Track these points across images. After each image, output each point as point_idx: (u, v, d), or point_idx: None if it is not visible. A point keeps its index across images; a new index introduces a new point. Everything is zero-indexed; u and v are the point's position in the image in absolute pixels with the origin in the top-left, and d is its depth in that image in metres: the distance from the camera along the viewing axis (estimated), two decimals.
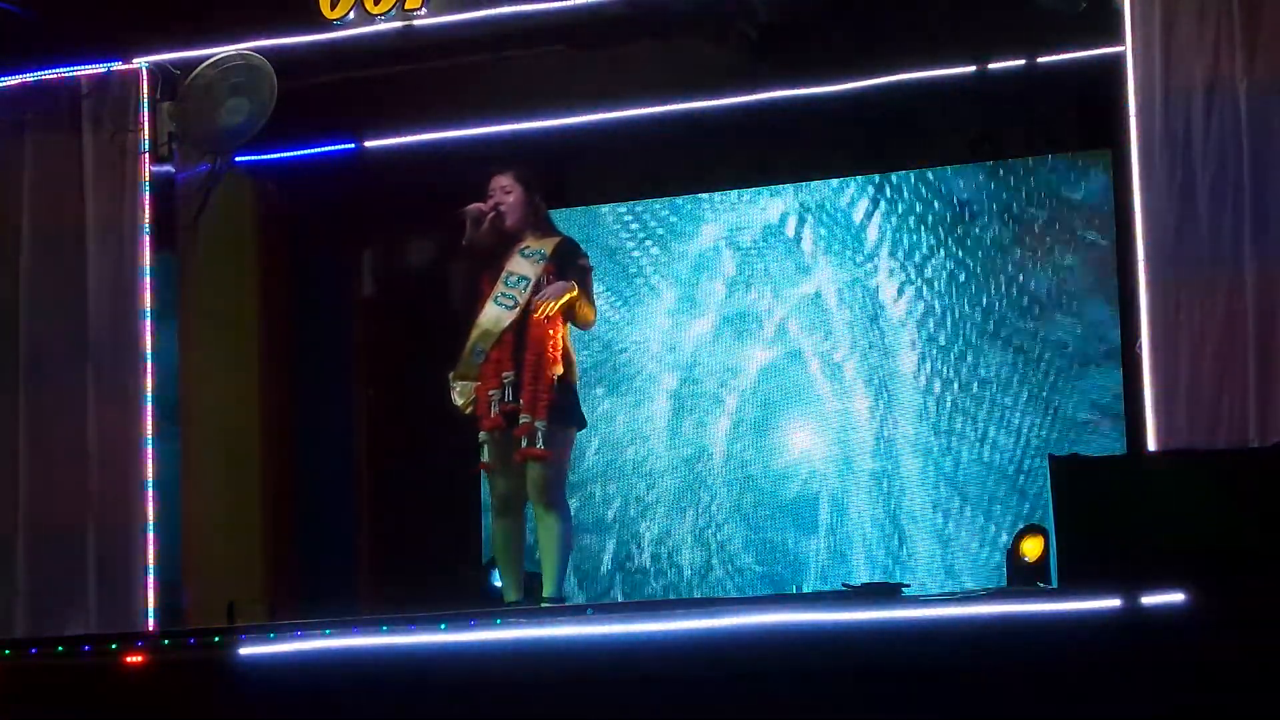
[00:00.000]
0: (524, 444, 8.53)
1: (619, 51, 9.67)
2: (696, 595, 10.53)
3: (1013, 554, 9.02)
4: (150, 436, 9.42)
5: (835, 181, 10.67)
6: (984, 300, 10.41)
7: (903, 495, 10.42)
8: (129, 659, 8.22)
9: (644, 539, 10.79)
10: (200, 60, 9.51)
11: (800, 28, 9.63)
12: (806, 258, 10.69)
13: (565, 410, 8.63)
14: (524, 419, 8.52)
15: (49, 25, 9.74)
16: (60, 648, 8.55)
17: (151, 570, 9.32)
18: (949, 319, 10.43)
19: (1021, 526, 9.53)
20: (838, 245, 10.65)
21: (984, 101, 10.01)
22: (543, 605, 8.56)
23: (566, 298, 8.58)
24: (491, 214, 8.69)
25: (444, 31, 9.40)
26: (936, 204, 10.52)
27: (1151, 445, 8.22)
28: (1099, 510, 7.42)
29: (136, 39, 9.66)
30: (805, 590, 10.30)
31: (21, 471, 9.51)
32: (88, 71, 9.69)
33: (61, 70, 9.72)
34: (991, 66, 9.73)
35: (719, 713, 7.48)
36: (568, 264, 8.71)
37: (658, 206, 10.96)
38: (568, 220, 9.99)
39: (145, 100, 9.63)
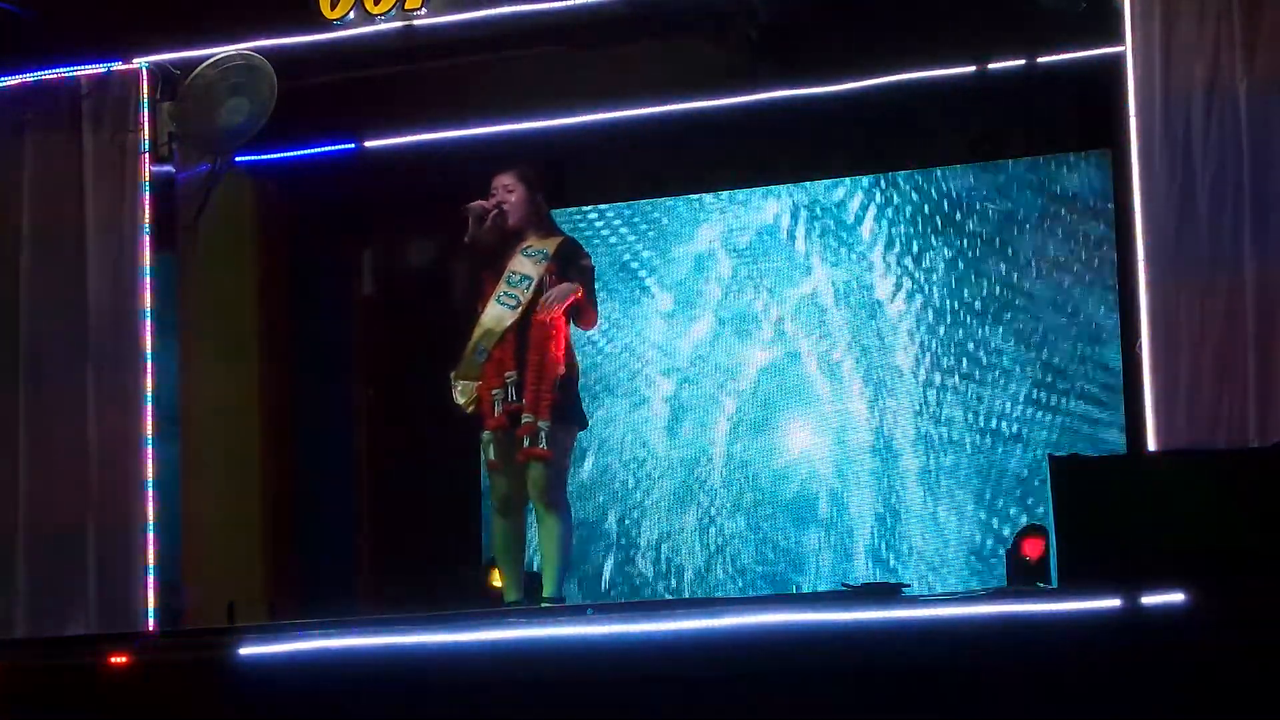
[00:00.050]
0: (526, 444, 8.53)
1: (619, 51, 9.68)
2: (697, 595, 10.53)
3: (1013, 554, 9.02)
4: (150, 436, 9.42)
5: (835, 181, 10.67)
6: (985, 301, 10.40)
7: (903, 494, 10.42)
8: (129, 659, 8.22)
9: (644, 539, 10.79)
10: (200, 60, 9.51)
11: (800, 28, 9.63)
12: (806, 258, 10.70)
13: (567, 410, 8.64)
14: (527, 419, 8.52)
15: (49, 25, 9.74)
16: (60, 648, 8.56)
17: (151, 570, 9.32)
18: (949, 319, 10.43)
19: (1022, 526, 9.54)
20: (838, 245, 10.65)
21: (984, 101, 10.01)
22: (543, 605, 8.57)
23: (571, 299, 8.59)
24: (494, 212, 8.69)
25: (444, 31, 9.41)
26: (936, 204, 10.52)
27: (1151, 445, 8.22)
28: (1099, 510, 7.42)
29: (136, 39, 9.66)
30: (805, 590, 10.30)
31: (21, 471, 9.51)
32: (88, 71, 9.69)
33: (61, 70, 9.72)
34: (991, 66, 9.72)
35: (719, 713, 7.48)
36: (570, 264, 8.71)
37: (657, 206, 10.96)
38: (567, 220, 10.00)
39: (145, 100, 9.63)
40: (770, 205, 10.79)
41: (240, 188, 10.58)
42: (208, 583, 9.81)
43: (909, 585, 9.23)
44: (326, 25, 9.47)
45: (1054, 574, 8.07)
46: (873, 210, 10.61)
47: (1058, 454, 8.12)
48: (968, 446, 10.35)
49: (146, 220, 9.58)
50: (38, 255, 9.66)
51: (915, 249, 10.51)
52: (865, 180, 10.63)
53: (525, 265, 8.69)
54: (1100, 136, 9.69)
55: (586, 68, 9.85)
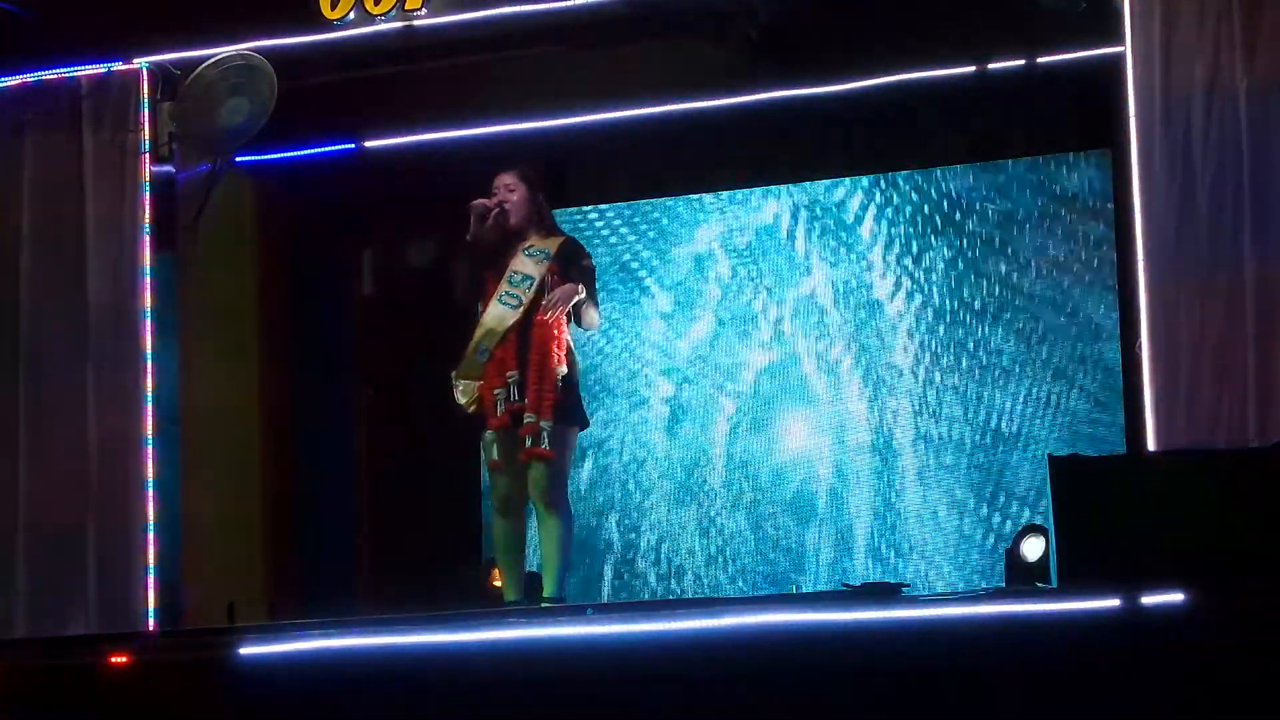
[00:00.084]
0: (529, 443, 8.53)
1: (619, 51, 9.68)
2: (697, 595, 10.53)
3: (1012, 554, 9.02)
4: (150, 436, 9.41)
5: (835, 181, 10.67)
6: (984, 301, 10.41)
7: (902, 494, 10.42)
8: (129, 659, 8.22)
9: (644, 539, 10.79)
10: (200, 60, 9.51)
11: (800, 28, 9.63)
12: (806, 258, 10.69)
13: (569, 410, 8.64)
14: (529, 419, 8.52)
15: (49, 25, 9.74)
16: (60, 648, 8.56)
17: (151, 570, 9.32)
18: (949, 319, 10.43)
19: (1022, 526, 9.53)
20: (838, 245, 10.64)
21: (984, 101, 10.01)
22: (543, 605, 8.56)
23: (575, 300, 8.59)
24: (496, 210, 8.69)
25: (444, 32, 9.41)
26: (936, 204, 10.52)
27: (1151, 445, 8.22)
28: (1099, 510, 7.42)
29: (136, 39, 9.66)
30: (805, 590, 10.30)
31: (21, 471, 9.51)
32: (88, 71, 9.69)
33: (61, 70, 9.72)
34: (991, 66, 9.72)
35: (719, 713, 7.48)
36: (572, 264, 8.72)
37: (657, 206, 10.96)
38: (567, 220, 10.00)
39: (145, 100, 9.63)
40: (770, 205, 10.78)
41: (240, 188, 10.58)
42: (208, 583, 9.81)
43: (909, 585, 9.23)
44: (326, 25, 9.47)
45: (1054, 574, 8.06)
46: (873, 210, 10.61)
47: (1057, 454, 8.12)
48: (967, 446, 10.35)
49: (146, 220, 9.57)
50: (38, 255, 9.66)
51: (915, 249, 10.51)
52: (865, 180, 10.63)
53: (527, 265, 8.69)
54: (1100, 136, 9.69)
55: (586, 68, 9.85)
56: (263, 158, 10.44)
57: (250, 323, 10.86)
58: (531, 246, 8.73)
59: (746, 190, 10.81)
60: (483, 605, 9.18)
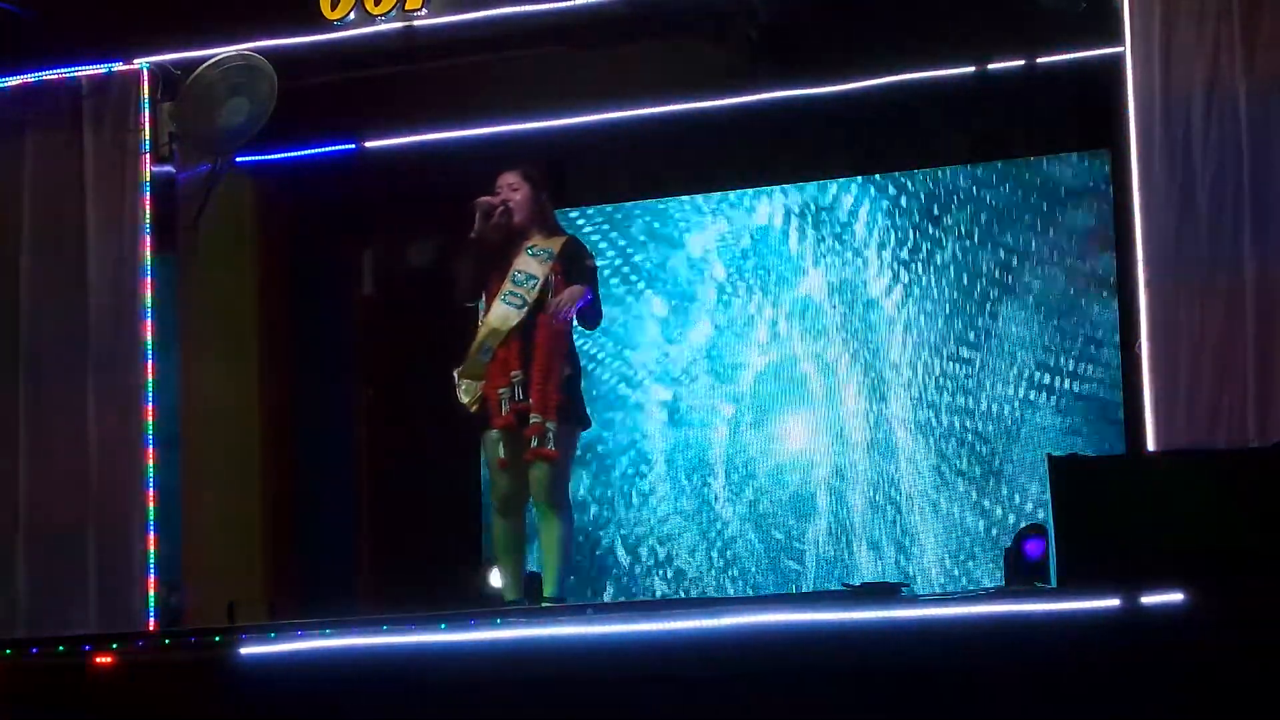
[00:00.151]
0: (535, 444, 8.52)
1: (619, 51, 9.68)
2: (697, 595, 10.53)
3: (1012, 554, 9.01)
4: (150, 436, 9.42)
5: (835, 181, 10.67)
6: (984, 300, 10.41)
7: (903, 493, 10.42)
8: (128, 659, 8.22)
9: (644, 540, 10.79)
10: (200, 60, 9.52)
11: (800, 28, 9.63)
12: (807, 257, 10.70)
13: (572, 410, 8.64)
14: (535, 419, 8.51)
15: (49, 25, 9.74)
16: (60, 647, 8.55)
17: (151, 570, 9.32)
18: (949, 318, 10.43)
19: (1023, 526, 9.53)
20: (838, 245, 10.64)
21: (984, 101, 10.01)
22: (543, 605, 8.56)
23: (581, 302, 8.58)
24: (500, 209, 8.69)
25: (444, 32, 9.41)
26: (936, 204, 10.52)
27: (1151, 445, 8.22)
28: (1098, 510, 7.41)
29: (136, 39, 9.67)
30: (805, 590, 10.30)
31: (22, 471, 9.52)
32: (88, 71, 9.70)
33: (62, 70, 9.72)
34: (991, 66, 9.72)
35: (719, 713, 7.48)
36: (575, 264, 8.71)
37: (657, 206, 10.96)
38: (567, 220, 9.99)
39: (145, 100, 9.64)
40: (770, 205, 10.78)
41: (240, 188, 10.57)
42: (208, 583, 9.81)
43: (908, 585, 9.22)
44: (326, 25, 9.48)
45: (1054, 574, 8.07)
46: (873, 210, 10.61)
47: (1057, 454, 8.11)
48: (967, 445, 10.34)
49: (147, 220, 9.58)
50: (38, 255, 9.67)
51: (915, 249, 10.51)
52: (865, 180, 10.63)
53: (531, 265, 8.68)
54: (1100, 136, 9.69)
55: (586, 68, 9.85)
56: (263, 158, 10.45)
57: (250, 323, 10.85)
58: (535, 246, 8.72)
59: (746, 190, 10.81)
60: (483, 605, 9.18)
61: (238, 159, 10.09)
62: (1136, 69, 8.40)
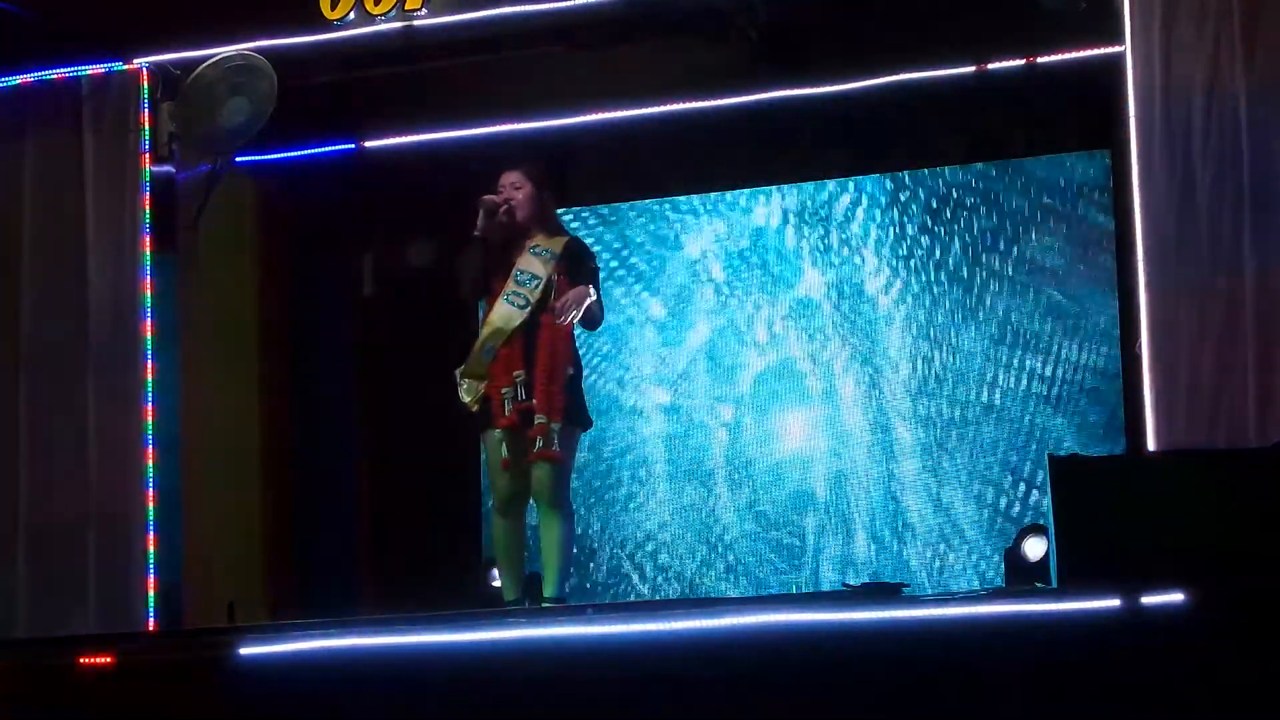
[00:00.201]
0: (539, 445, 8.50)
1: (619, 51, 9.67)
2: (696, 595, 10.53)
3: (1012, 554, 9.02)
4: (150, 436, 9.42)
5: (834, 181, 10.68)
6: (984, 300, 10.42)
7: (903, 492, 10.43)
8: (128, 658, 8.22)
9: (644, 540, 10.79)
10: (200, 60, 9.51)
11: (800, 28, 9.63)
12: (807, 257, 10.70)
13: (575, 411, 8.63)
14: (539, 419, 8.48)
15: (49, 25, 9.74)
16: (60, 647, 8.55)
17: (151, 569, 9.32)
18: (949, 318, 10.44)
19: (1023, 526, 9.54)
20: (839, 245, 10.65)
21: (984, 101, 10.02)
22: (543, 605, 8.56)
23: (587, 304, 8.57)
24: (503, 207, 8.69)
25: (444, 31, 9.41)
26: (936, 204, 10.53)
27: (1151, 445, 8.22)
28: (1099, 510, 7.41)
29: (136, 39, 9.66)
30: (805, 590, 10.30)
31: (22, 470, 9.52)
32: (88, 71, 9.69)
33: (62, 70, 9.72)
34: (991, 66, 9.73)
35: (719, 713, 7.47)
36: (578, 264, 8.70)
37: (657, 206, 10.97)
38: (566, 221, 9.99)
39: (145, 100, 9.64)
40: (770, 205, 10.79)
41: (240, 188, 10.58)
42: (208, 583, 9.81)
43: (909, 585, 9.23)
44: (326, 25, 9.47)
45: (1054, 574, 8.07)
46: (873, 210, 10.62)
47: (1057, 454, 8.11)
48: (967, 445, 10.36)
49: (146, 220, 9.58)
50: (38, 255, 9.66)
51: (915, 249, 10.52)
52: (865, 180, 10.64)
53: (534, 264, 8.67)
54: (1100, 136, 9.70)
55: (586, 68, 9.85)
56: (263, 158, 10.45)
57: (250, 323, 10.86)
58: (537, 246, 8.71)
59: (746, 190, 10.82)
60: (483, 605, 9.18)
61: (238, 159, 10.09)
62: (1137, 69, 8.40)
